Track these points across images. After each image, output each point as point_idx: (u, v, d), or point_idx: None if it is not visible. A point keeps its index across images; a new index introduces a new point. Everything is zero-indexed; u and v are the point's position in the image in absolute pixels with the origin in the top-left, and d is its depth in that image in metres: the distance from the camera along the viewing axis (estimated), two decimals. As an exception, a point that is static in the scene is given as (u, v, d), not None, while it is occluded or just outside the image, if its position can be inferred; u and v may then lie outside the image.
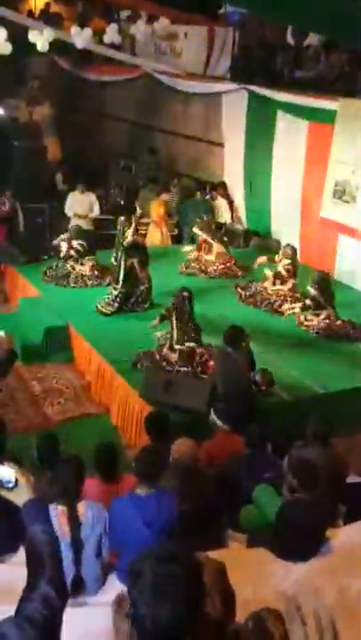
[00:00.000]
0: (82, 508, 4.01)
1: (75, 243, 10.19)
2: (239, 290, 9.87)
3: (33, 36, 11.92)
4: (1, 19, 11.61)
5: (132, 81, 14.68)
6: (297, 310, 8.97)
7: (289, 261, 9.61)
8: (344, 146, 9.98)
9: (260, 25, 12.57)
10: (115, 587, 4.01)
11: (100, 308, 9.01)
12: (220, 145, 12.92)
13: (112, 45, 13.46)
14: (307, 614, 2.60)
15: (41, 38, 11.94)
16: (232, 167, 12.69)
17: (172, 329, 7.65)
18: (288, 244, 9.96)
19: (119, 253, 9.06)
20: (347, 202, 10.11)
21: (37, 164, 11.92)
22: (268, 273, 9.75)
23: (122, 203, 12.87)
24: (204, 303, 8.92)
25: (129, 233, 8.92)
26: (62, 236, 10.49)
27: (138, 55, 14.44)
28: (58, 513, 3.90)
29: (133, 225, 9.02)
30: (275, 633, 2.48)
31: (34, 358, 8.50)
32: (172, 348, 7.59)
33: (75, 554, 3.92)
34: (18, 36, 11.83)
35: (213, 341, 7.66)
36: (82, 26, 12.86)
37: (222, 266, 10.67)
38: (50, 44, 12.12)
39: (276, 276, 9.66)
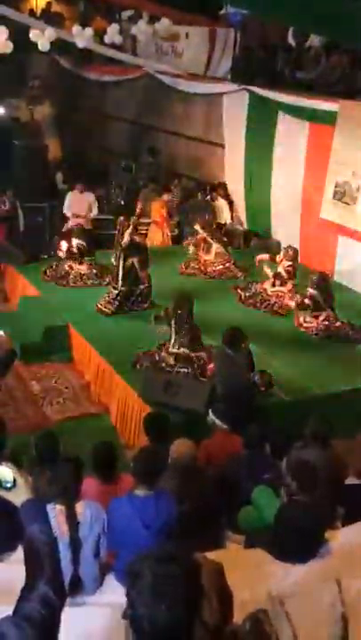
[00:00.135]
0: (80, 507, 4.02)
1: (75, 242, 10.19)
2: (239, 291, 9.88)
3: (34, 36, 11.91)
4: (2, 18, 11.61)
5: (133, 81, 14.69)
6: (296, 313, 8.97)
7: (290, 263, 9.61)
8: (344, 147, 9.98)
9: (262, 26, 12.57)
10: (113, 587, 4.01)
11: (100, 307, 9.01)
12: (221, 145, 12.92)
13: (113, 45, 13.45)
14: (303, 615, 2.60)
15: (42, 38, 11.93)
16: (232, 168, 12.69)
17: (171, 333, 7.64)
18: (290, 246, 9.96)
19: (118, 253, 9.06)
20: (347, 203, 10.10)
21: (38, 163, 11.88)
22: (269, 272, 9.74)
23: (122, 203, 12.87)
24: (203, 303, 8.91)
25: (126, 233, 8.93)
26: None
27: (139, 55, 14.44)
28: (56, 513, 3.90)
29: (131, 226, 9.02)
30: (272, 634, 2.48)
31: (33, 358, 8.50)
32: (168, 352, 7.59)
33: (73, 553, 3.93)
34: (19, 36, 11.82)
35: (213, 342, 7.66)
36: (83, 25, 12.85)
37: (221, 266, 10.68)
38: (51, 43, 12.12)
39: (276, 276, 9.66)
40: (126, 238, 8.91)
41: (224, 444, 5.67)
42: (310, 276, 9.08)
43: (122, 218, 9.51)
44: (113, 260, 9.23)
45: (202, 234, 10.86)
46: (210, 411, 6.02)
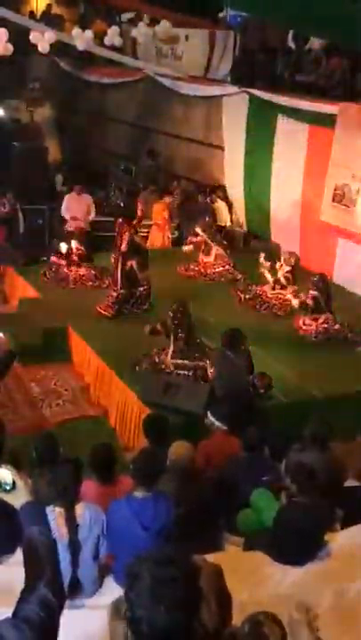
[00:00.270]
0: (79, 509, 4.02)
1: (75, 245, 10.19)
2: (238, 293, 9.88)
3: (34, 38, 11.93)
4: (2, 20, 11.62)
5: (133, 83, 14.70)
6: (296, 315, 8.98)
7: (289, 269, 9.60)
8: (344, 150, 9.99)
9: (261, 28, 12.58)
10: (111, 589, 4.01)
11: (100, 310, 9.01)
12: (221, 148, 12.93)
13: (113, 48, 13.47)
14: (303, 618, 2.60)
15: (42, 40, 11.95)
16: (232, 170, 12.69)
17: (170, 343, 7.63)
18: (291, 252, 9.94)
19: (117, 255, 9.06)
20: (346, 206, 10.11)
21: (38, 165, 11.92)
22: (269, 277, 9.75)
23: (122, 205, 12.88)
24: (203, 305, 8.92)
25: (125, 238, 8.93)
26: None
27: (139, 58, 14.45)
28: (56, 515, 3.90)
29: (127, 233, 9.02)
30: (270, 636, 2.49)
31: (33, 359, 8.48)
32: (167, 357, 7.59)
33: (72, 556, 3.93)
34: (19, 38, 11.84)
35: (212, 344, 7.66)
36: (83, 28, 12.88)
37: (221, 268, 10.68)
38: (51, 45, 12.14)
39: (276, 282, 9.67)
40: (124, 245, 8.91)
41: (223, 444, 5.67)
42: (311, 277, 9.08)
43: (120, 220, 9.53)
44: (112, 261, 9.23)
45: (202, 236, 10.87)
46: (208, 412, 6.01)
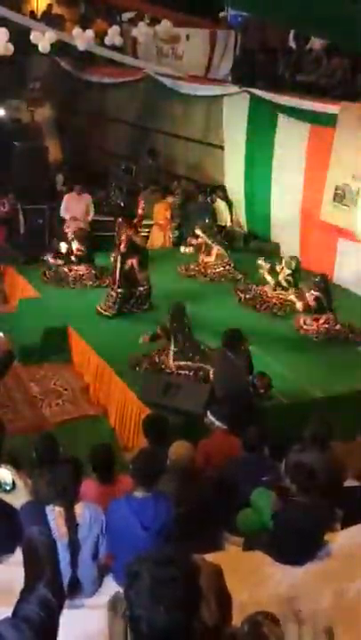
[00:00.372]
0: (79, 509, 4.02)
1: (75, 246, 10.19)
2: (239, 292, 9.88)
3: (35, 38, 11.93)
4: (3, 19, 11.62)
5: (134, 83, 14.68)
6: (297, 315, 8.97)
7: (290, 272, 9.59)
8: (345, 150, 9.98)
9: (262, 28, 12.59)
10: (111, 589, 4.01)
11: (100, 309, 9.01)
12: (221, 148, 12.92)
13: (114, 47, 13.46)
14: (303, 617, 2.60)
15: (43, 39, 11.95)
16: (232, 170, 12.69)
17: (170, 345, 7.63)
18: (293, 257, 9.92)
19: (117, 255, 9.06)
20: (347, 206, 10.11)
21: (38, 165, 11.88)
22: (270, 279, 9.74)
23: (122, 205, 12.88)
24: (203, 305, 8.92)
25: (123, 239, 8.93)
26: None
27: (139, 57, 14.44)
28: (55, 514, 3.90)
29: (127, 234, 9.02)
30: (270, 636, 2.48)
31: (32, 359, 8.50)
32: (168, 357, 7.59)
33: (72, 555, 3.93)
34: (20, 37, 11.83)
35: (212, 344, 7.66)
36: (84, 27, 12.87)
37: (221, 268, 10.69)
38: (51, 45, 12.13)
39: (277, 284, 9.66)
40: (123, 245, 8.92)
41: (223, 444, 5.67)
42: (312, 278, 9.08)
43: (120, 219, 9.53)
44: (112, 261, 9.23)
45: (202, 237, 10.88)
46: (208, 411, 6.01)
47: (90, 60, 15.36)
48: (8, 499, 2.29)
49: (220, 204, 12.48)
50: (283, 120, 11.13)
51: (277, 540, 4.29)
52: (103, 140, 16.45)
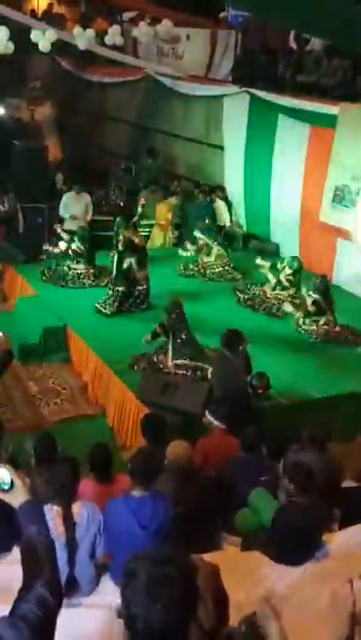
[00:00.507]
0: (77, 508, 4.02)
1: (74, 245, 10.19)
2: (238, 293, 9.88)
3: (35, 37, 11.93)
4: (3, 18, 11.62)
5: (134, 83, 14.70)
6: (296, 317, 8.97)
7: (291, 272, 9.58)
8: (344, 151, 9.99)
9: (263, 28, 12.59)
10: (109, 588, 4.01)
11: (99, 308, 9.01)
12: (221, 148, 12.93)
13: (114, 47, 13.47)
14: (299, 617, 2.60)
15: (43, 39, 11.95)
16: (232, 170, 12.69)
17: (168, 343, 7.63)
18: (296, 257, 9.91)
19: (116, 254, 9.06)
20: (346, 207, 10.11)
21: (38, 164, 11.90)
22: (271, 276, 9.73)
23: (121, 204, 12.89)
24: (202, 305, 8.92)
25: (121, 237, 8.94)
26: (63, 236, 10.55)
27: (140, 57, 14.45)
28: (53, 513, 3.90)
29: (126, 233, 9.03)
30: (266, 636, 2.49)
31: (31, 358, 8.51)
32: (166, 357, 7.60)
33: (69, 554, 3.92)
34: (20, 36, 11.84)
35: (211, 344, 7.66)
36: (84, 27, 12.88)
37: (221, 268, 10.70)
38: (52, 44, 12.13)
39: (278, 282, 9.65)
40: (122, 244, 8.92)
41: (221, 443, 5.67)
42: (313, 279, 9.07)
43: (119, 218, 9.54)
44: (111, 260, 9.23)
45: (202, 239, 10.88)
46: (207, 410, 6.02)
47: (90, 60, 15.36)
48: (6, 498, 2.29)
49: (220, 204, 12.49)
50: (283, 120, 11.14)
51: (275, 540, 4.29)
52: (103, 140, 16.45)
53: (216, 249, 10.82)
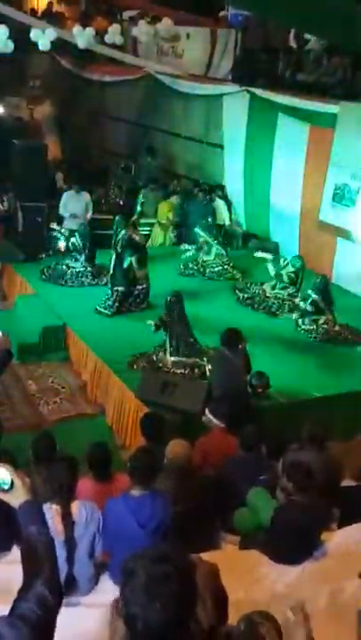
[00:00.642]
0: (75, 507, 4.02)
1: (74, 239, 10.19)
2: (237, 291, 9.89)
3: (35, 35, 11.92)
4: (3, 17, 11.62)
5: (134, 82, 14.69)
6: (295, 316, 8.97)
7: (293, 270, 9.57)
8: (344, 150, 9.99)
9: (263, 27, 12.58)
10: (107, 587, 4.02)
11: (99, 309, 9.00)
12: (221, 147, 12.92)
13: (114, 46, 13.47)
14: (298, 618, 2.60)
15: (43, 37, 11.95)
16: (232, 169, 12.69)
17: (166, 340, 7.63)
18: (299, 256, 9.90)
19: (116, 253, 9.06)
20: (346, 205, 10.12)
21: (37, 163, 11.85)
22: (271, 269, 9.71)
23: (121, 203, 12.88)
24: (202, 304, 8.92)
25: (121, 235, 8.95)
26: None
27: (140, 56, 14.45)
28: (52, 513, 3.90)
29: (125, 232, 9.03)
30: (266, 635, 2.49)
31: (30, 357, 8.51)
32: (165, 354, 7.60)
33: (68, 553, 3.92)
34: (20, 35, 11.84)
35: (210, 343, 7.66)
36: (84, 26, 12.87)
37: (220, 267, 10.70)
38: (52, 43, 12.13)
39: (278, 277, 9.63)
40: (122, 243, 8.92)
41: (221, 442, 5.68)
42: (314, 279, 9.07)
43: (118, 217, 9.53)
44: (110, 259, 9.23)
45: (203, 237, 10.88)
46: (206, 409, 6.02)
47: (90, 59, 15.35)
48: (6, 498, 2.29)
49: (220, 203, 12.48)
50: (283, 119, 11.13)
51: (274, 540, 4.29)
52: (103, 139, 16.45)
53: (216, 248, 10.81)
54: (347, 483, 5.17)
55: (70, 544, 3.93)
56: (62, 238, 10.68)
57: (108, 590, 3.94)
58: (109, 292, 9.05)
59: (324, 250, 10.76)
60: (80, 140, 16.30)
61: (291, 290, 9.51)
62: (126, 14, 15.29)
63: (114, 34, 13.36)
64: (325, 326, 8.70)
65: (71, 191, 11.49)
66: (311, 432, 5.32)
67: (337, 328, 8.75)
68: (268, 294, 9.62)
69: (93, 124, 16.47)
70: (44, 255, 10.80)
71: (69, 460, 4.32)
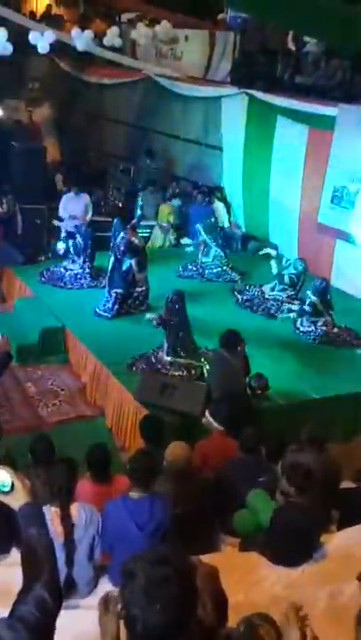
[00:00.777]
0: (74, 509, 4.02)
1: (73, 241, 10.19)
2: (236, 293, 9.89)
3: (34, 38, 11.92)
4: (2, 19, 11.62)
5: (132, 84, 14.69)
6: (293, 315, 8.98)
7: (295, 272, 9.57)
8: (343, 152, 9.99)
9: (261, 30, 12.59)
10: (107, 589, 4.01)
11: (99, 312, 8.99)
12: (219, 149, 12.93)
13: (113, 48, 13.47)
14: (293, 618, 2.60)
15: (42, 40, 11.95)
16: (231, 171, 12.69)
17: (165, 337, 7.63)
18: (302, 260, 9.89)
19: (115, 255, 9.06)
20: (345, 208, 10.12)
21: (36, 165, 11.88)
22: (274, 265, 9.70)
23: (120, 205, 12.89)
24: (201, 306, 8.91)
25: (122, 239, 8.96)
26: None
27: (138, 58, 14.44)
28: (51, 515, 3.91)
29: (125, 234, 9.04)
30: (266, 637, 2.49)
31: (29, 359, 8.50)
32: (164, 356, 7.60)
33: (67, 555, 3.93)
34: (19, 38, 11.84)
35: (209, 345, 7.67)
36: (83, 28, 12.87)
37: (219, 269, 10.70)
38: (50, 45, 12.13)
39: (280, 277, 9.62)
40: (122, 245, 8.92)
41: (220, 445, 5.68)
42: (313, 281, 9.07)
43: (116, 220, 9.53)
44: (110, 261, 9.22)
45: (203, 237, 10.89)
46: (206, 412, 6.02)
47: (89, 61, 15.35)
48: (6, 500, 2.29)
49: (219, 206, 12.49)
50: (281, 122, 11.14)
51: (273, 541, 4.29)
52: (102, 141, 16.44)
53: (214, 249, 10.82)
54: (346, 484, 5.17)
55: (69, 546, 3.93)
56: (63, 239, 10.66)
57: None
58: (108, 294, 9.04)
59: (322, 252, 10.76)
60: (79, 142, 16.30)
61: (290, 292, 9.52)
62: (125, 17, 15.28)
63: (113, 36, 13.35)
64: (324, 328, 8.70)
65: (70, 193, 11.49)
66: (310, 434, 5.33)
67: (336, 330, 8.75)
68: (266, 296, 9.62)
69: (92, 126, 16.47)
70: (43, 258, 10.80)
71: (68, 462, 4.32)
